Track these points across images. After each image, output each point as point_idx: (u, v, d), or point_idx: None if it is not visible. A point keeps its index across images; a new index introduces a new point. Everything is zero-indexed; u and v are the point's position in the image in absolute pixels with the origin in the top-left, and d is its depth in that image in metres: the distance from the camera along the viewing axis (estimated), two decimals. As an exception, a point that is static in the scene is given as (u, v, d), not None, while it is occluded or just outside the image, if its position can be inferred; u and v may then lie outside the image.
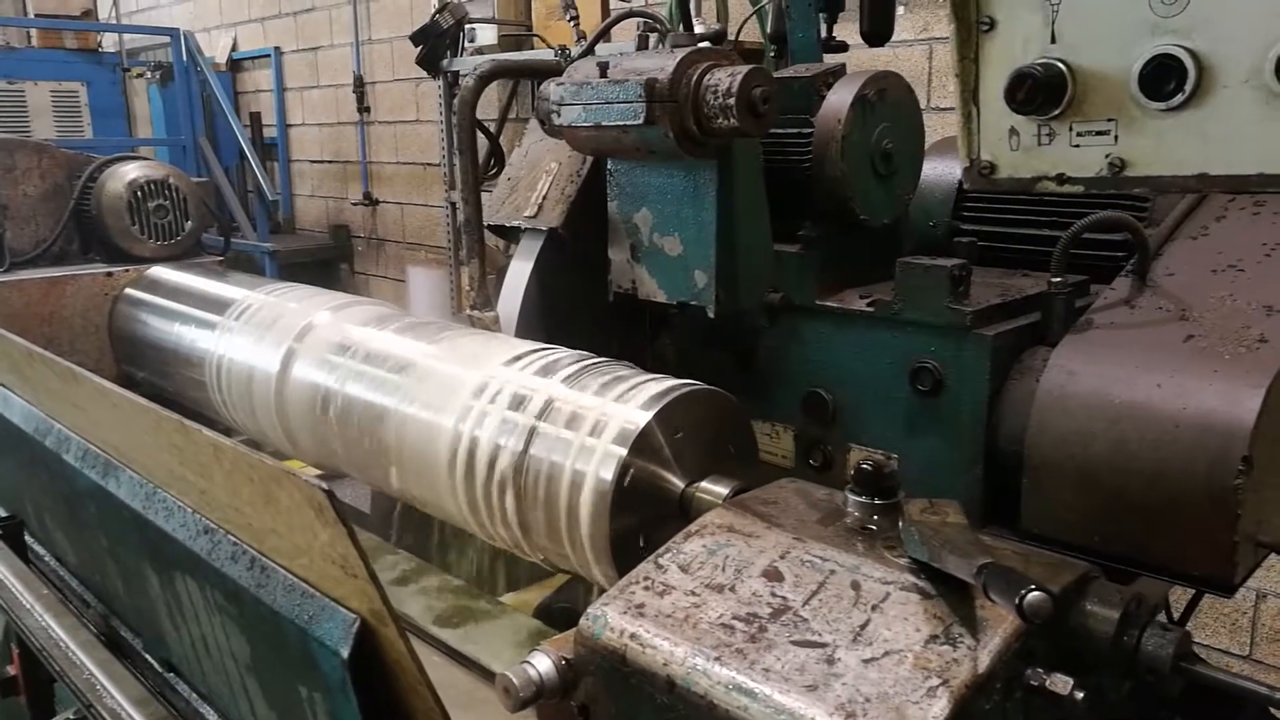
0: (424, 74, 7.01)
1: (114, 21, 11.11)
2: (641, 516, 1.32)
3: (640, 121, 1.56)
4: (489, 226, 1.95)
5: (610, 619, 1.00)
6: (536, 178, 1.96)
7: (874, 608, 0.92)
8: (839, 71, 1.81)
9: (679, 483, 1.35)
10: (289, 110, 9.42)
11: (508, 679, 1.01)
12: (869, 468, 1.05)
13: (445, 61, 6.16)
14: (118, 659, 1.64)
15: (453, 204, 6.47)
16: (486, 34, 6.47)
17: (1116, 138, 0.94)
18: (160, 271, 2.85)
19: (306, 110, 9.23)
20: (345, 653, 1.01)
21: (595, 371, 1.49)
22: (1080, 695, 0.85)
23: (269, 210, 8.45)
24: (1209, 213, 1.65)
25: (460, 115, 1.89)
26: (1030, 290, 1.64)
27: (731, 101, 1.51)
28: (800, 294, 1.73)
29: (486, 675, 1.66)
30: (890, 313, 1.61)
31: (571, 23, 4.45)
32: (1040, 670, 0.88)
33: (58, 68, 8.45)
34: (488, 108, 6.81)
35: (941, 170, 2.02)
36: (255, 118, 9.34)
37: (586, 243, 1.87)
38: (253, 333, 2.12)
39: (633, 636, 0.97)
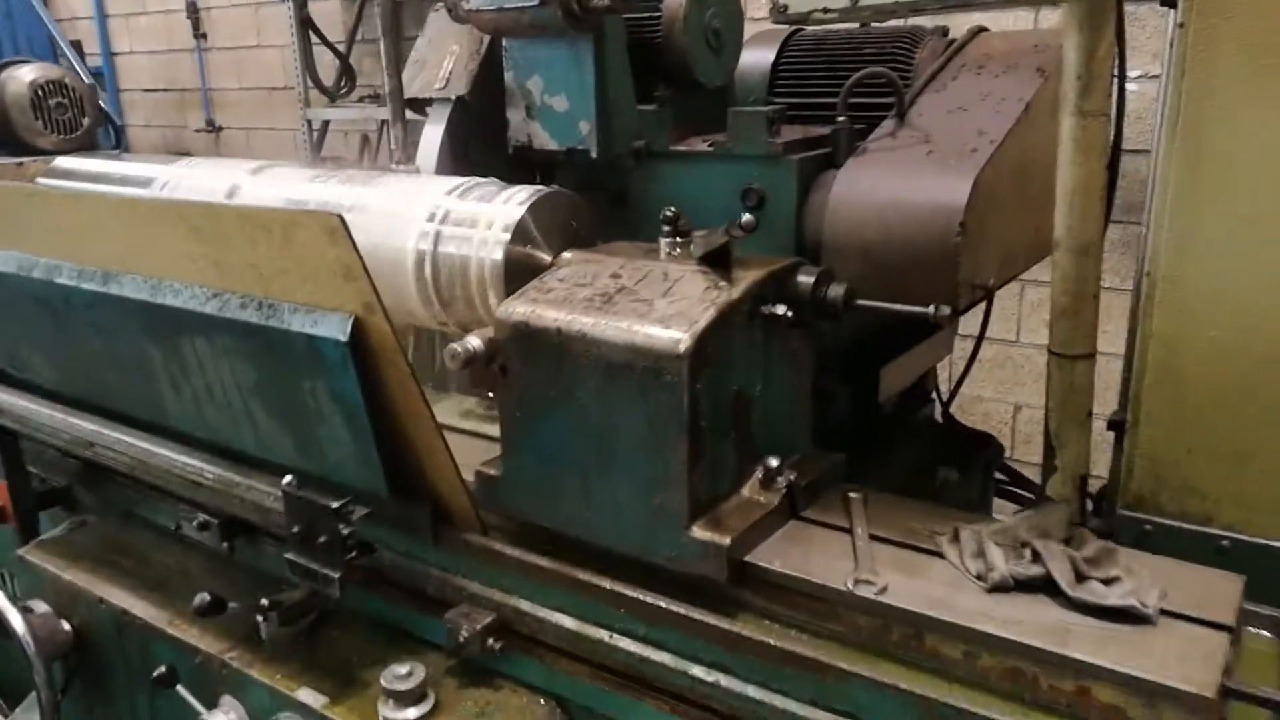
0: (264, -1, 7.07)
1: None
2: (526, 283, 1.82)
3: (535, 3, 2.04)
4: (406, 100, 2.38)
5: (516, 306, 1.55)
6: (442, 58, 2.41)
7: (676, 281, 1.51)
8: (681, -32, 2.34)
9: (548, 256, 1.85)
10: (114, 38, 9.11)
11: (453, 349, 1.53)
12: (671, 213, 1.62)
13: (295, -17, 6.28)
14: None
15: (309, 121, 6.64)
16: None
17: (855, -16, 1.53)
18: (68, 161, 3.08)
19: (134, 38, 8.98)
20: (344, 337, 1.49)
21: (482, 189, 1.97)
22: (790, 314, 1.48)
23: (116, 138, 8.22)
24: (948, 74, 2.30)
25: (382, 7, 2.30)
26: (823, 131, 2.23)
27: (604, -15, 2.01)
28: (658, 141, 2.27)
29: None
30: (725, 150, 2.17)
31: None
32: (770, 305, 1.50)
33: None
34: (335, 30, 6.98)
35: (757, 58, 2.61)
36: (76, 46, 8.97)
37: (487, 107, 2.33)
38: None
39: (531, 312, 1.52)
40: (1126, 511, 1.78)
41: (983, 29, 2.45)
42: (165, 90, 8.84)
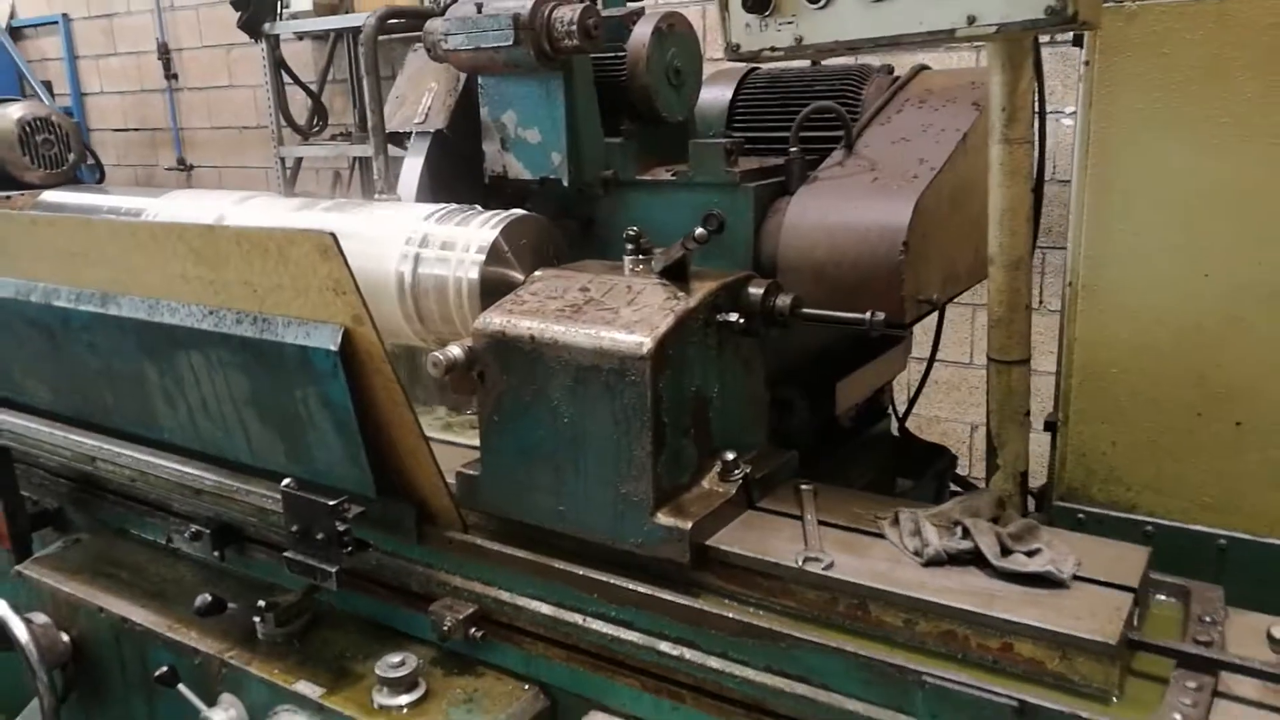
0: (236, 40, 7.26)
1: None
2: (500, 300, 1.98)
3: (510, 44, 2.23)
4: (389, 134, 2.55)
5: (493, 317, 1.71)
6: (421, 94, 2.59)
7: (638, 293, 1.68)
8: (641, 11, 2.54)
9: (520, 275, 2.02)
10: (84, 78, 9.25)
11: (435, 357, 1.68)
12: (634, 232, 1.79)
13: (268, 25, 6.47)
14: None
15: (282, 159, 6.80)
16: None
17: (797, 24, 1.72)
18: (54, 194, 3.23)
19: (105, 78, 9.12)
20: (334, 347, 1.64)
21: (458, 214, 2.14)
22: (742, 321, 1.66)
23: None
24: (893, 108, 2.50)
25: (365, 48, 2.48)
26: (778, 161, 2.42)
27: (574, 28, 2.21)
28: (625, 172, 2.45)
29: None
30: (687, 179, 2.35)
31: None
32: (724, 313, 1.68)
33: None
34: (306, 70, 7.17)
35: (716, 95, 2.81)
36: (46, 86, 9.09)
37: (463, 140, 2.51)
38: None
39: (507, 322, 1.68)
40: (1061, 503, 1.95)
41: (924, 67, 2.67)
42: (137, 129, 8.97)
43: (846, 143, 2.36)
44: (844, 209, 2.19)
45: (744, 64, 2.78)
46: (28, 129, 3.25)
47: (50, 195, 3.23)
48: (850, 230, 2.15)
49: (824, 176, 2.31)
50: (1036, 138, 2.09)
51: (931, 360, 2.98)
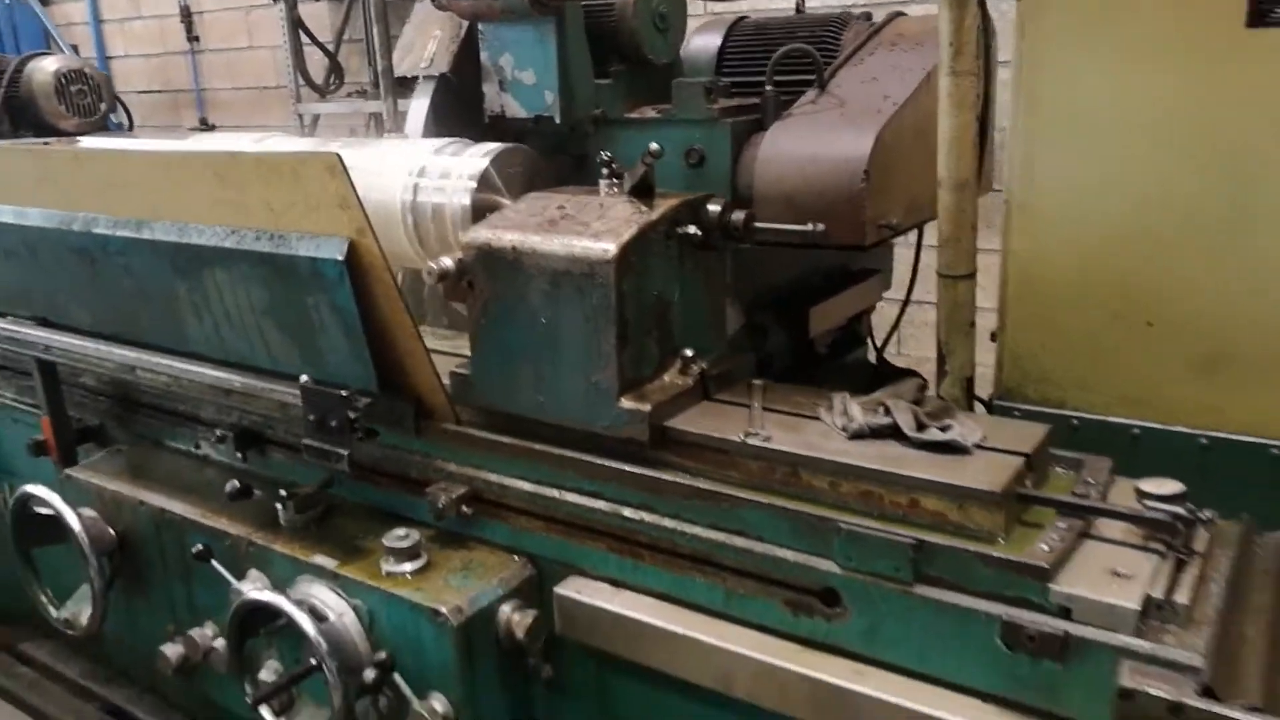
0: (254, 1, 7.54)
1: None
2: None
3: (505, -10, 2.47)
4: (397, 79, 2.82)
5: (480, 231, 1.97)
6: (426, 41, 2.83)
7: (608, 209, 1.93)
8: (630, -41, 2.77)
9: (509, 200, 2.26)
10: (109, 41, 9.58)
11: (430, 266, 1.95)
12: (607, 157, 2.04)
13: (289, -15, 6.74)
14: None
15: (300, 116, 7.10)
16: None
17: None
18: (89, 140, 3.52)
19: (129, 41, 9.44)
20: (341, 256, 1.90)
21: (454, 147, 2.39)
22: (700, 234, 1.91)
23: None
24: (866, 50, 2.72)
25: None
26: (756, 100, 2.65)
27: (564, -25, 2.44)
28: (613, 110, 2.69)
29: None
30: (671, 116, 2.58)
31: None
32: (690, 228, 1.92)
33: None
34: (323, 30, 7.43)
35: (706, 42, 3.03)
36: (74, 50, 9.43)
37: (466, 83, 2.76)
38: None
39: (493, 235, 1.94)
40: (1000, 402, 2.19)
41: (900, 13, 2.88)
42: (160, 92, 9.29)
43: (819, 83, 2.59)
44: (813, 141, 2.42)
45: (733, 13, 3.01)
46: (63, 80, 3.55)
47: (86, 141, 3.53)
48: (818, 161, 2.38)
49: (797, 113, 2.53)
50: (982, 71, 2.30)
51: (909, 294, 3.20)
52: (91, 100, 3.64)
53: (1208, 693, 1.29)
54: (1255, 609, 1.50)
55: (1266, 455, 1.88)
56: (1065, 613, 1.44)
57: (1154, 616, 1.41)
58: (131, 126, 3.86)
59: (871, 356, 3.31)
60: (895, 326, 3.30)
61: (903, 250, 3.24)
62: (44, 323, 2.75)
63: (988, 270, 2.26)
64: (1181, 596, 1.42)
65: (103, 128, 3.72)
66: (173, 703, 3.10)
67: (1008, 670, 1.50)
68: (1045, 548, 1.48)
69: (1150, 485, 1.55)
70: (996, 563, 1.49)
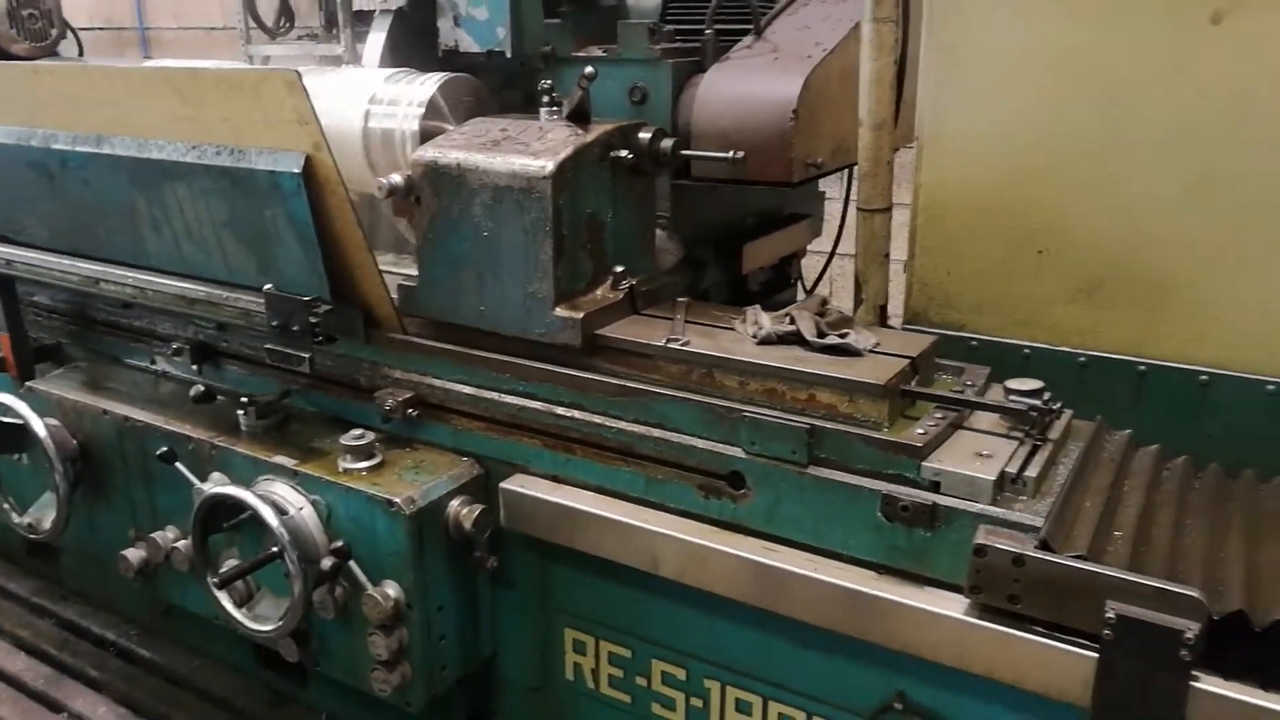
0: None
1: None
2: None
3: (458, -73, 2.65)
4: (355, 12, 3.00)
5: (427, 151, 2.18)
6: (381, -24, 3.00)
7: (547, 132, 2.14)
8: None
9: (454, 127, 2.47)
10: (50, -26, 9.49)
11: (379, 181, 2.15)
12: (548, 85, 2.25)
13: (239, -79, 6.77)
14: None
15: (250, 57, 7.14)
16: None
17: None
18: (43, 63, 3.63)
19: (72, -25, 9.36)
20: (298, 169, 2.09)
21: (406, 75, 2.59)
22: (630, 158, 2.12)
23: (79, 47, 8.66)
24: (800, 2, 2.94)
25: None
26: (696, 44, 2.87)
27: (510, -84, 2.63)
28: (562, 48, 2.89)
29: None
30: (616, 55, 2.79)
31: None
32: (622, 152, 2.13)
33: None
34: (280, -27, 7.47)
35: (654, -11, 3.23)
36: (12, -19, 9.34)
37: (421, 18, 2.94)
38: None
39: (439, 154, 2.15)
40: (908, 326, 2.45)
41: (838, -32, 3.10)
42: (102, 29, 9.26)
43: (756, 30, 2.81)
44: (747, 83, 2.64)
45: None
46: (14, 4, 3.65)
47: (40, 63, 3.64)
48: (750, 101, 2.61)
49: (734, 57, 2.76)
50: (901, 19, 2.54)
51: (837, 241, 3.47)
52: (43, 25, 3.75)
53: (1044, 546, 1.55)
54: (1095, 489, 1.77)
55: (1134, 371, 2.15)
56: (935, 486, 1.71)
57: (1007, 489, 1.68)
58: (81, 55, 3.97)
59: (800, 299, 3.57)
60: (824, 270, 3.56)
61: (833, 206, 3.51)
62: (2, 239, 2.90)
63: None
64: (1032, 473, 1.68)
65: (53, 54, 3.83)
66: (128, 617, 3.29)
67: (887, 541, 1.76)
68: (921, 431, 1.74)
69: (1015, 383, 1.81)
70: (878, 443, 1.75)
